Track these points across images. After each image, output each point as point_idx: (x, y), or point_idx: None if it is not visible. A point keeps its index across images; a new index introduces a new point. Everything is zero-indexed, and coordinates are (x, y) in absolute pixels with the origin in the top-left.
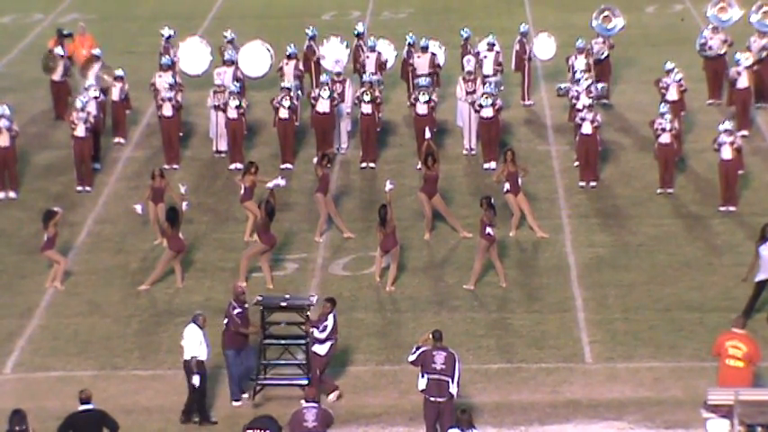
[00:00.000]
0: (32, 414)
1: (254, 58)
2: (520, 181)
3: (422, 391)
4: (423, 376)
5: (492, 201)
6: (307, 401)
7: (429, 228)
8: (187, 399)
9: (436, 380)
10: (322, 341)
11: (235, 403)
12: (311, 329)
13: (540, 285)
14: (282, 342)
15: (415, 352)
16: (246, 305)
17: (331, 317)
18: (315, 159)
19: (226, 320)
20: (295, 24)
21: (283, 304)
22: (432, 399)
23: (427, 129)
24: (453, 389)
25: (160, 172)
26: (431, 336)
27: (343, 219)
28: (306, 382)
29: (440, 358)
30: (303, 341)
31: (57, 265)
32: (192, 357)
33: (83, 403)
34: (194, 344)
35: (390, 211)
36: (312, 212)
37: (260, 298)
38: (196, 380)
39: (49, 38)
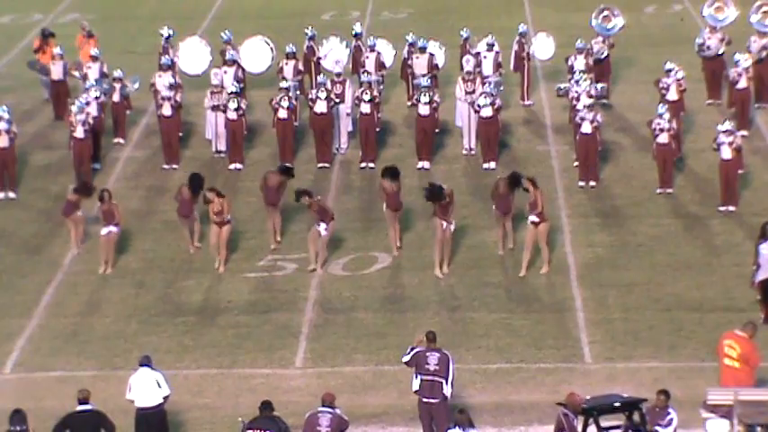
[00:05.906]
0: (32, 414)
1: (255, 53)
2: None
3: (415, 391)
4: (416, 377)
5: (524, 183)
6: (323, 406)
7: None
8: None
9: (429, 381)
10: None
11: None
12: (655, 428)
13: (540, 285)
14: None
15: (408, 353)
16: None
17: (672, 410)
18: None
19: None
20: (295, 24)
21: (617, 404)
22: (425, 399)
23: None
24: (447, 390)
25: (109, 194)
26: (424, 337)
27: (341, 220)
28: None
29: (433, 359)
30: None
31: (77, 228)
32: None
33: (81, 403)
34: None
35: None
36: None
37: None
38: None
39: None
